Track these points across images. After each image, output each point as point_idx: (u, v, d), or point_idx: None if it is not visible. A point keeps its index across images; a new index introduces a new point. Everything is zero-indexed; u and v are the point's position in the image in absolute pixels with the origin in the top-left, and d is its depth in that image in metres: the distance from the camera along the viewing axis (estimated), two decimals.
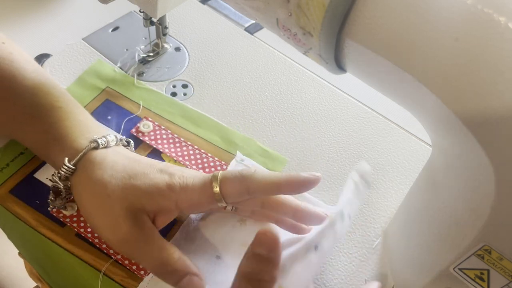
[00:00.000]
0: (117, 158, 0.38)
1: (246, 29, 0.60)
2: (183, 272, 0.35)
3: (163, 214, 0.37)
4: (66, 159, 0.36)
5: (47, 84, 0.41)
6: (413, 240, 0.36)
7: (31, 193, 0.41)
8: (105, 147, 0.38)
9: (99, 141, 0.37)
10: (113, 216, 0.35)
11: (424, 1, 0.25)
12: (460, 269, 0.30)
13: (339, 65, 0.30)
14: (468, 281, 0.30)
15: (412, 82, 0.26)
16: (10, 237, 0.42)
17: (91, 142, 0.37)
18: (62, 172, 0.36)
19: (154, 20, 0.51)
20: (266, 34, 0.59)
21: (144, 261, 0.35)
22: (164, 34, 0.53)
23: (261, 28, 0.60)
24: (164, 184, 0.36)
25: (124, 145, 0.41)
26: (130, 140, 0.42)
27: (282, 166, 0.46)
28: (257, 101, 0.52)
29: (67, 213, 0.39)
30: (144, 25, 0.52)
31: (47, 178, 0.42)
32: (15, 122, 0.40)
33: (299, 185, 0.35)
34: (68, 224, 0.39)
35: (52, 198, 0.38)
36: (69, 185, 0.37)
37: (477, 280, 0.29)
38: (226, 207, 0.38)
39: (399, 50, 0.26)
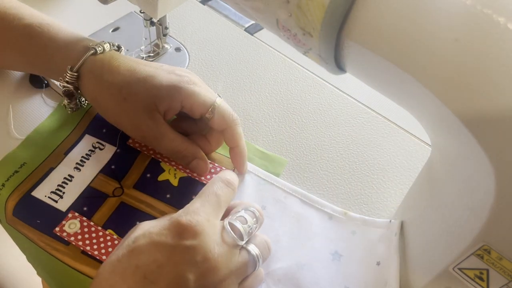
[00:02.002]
0: (121, 62, 0.42)
1: (246, 30, 0.60)
2: (191, 156, 0.42)
3: (172, 111, 0.42)
4: (69, 67, 0.41)
5: (25, 6, 0.45)
6: (412, 239, 0.37)
7: (31, 213, 0.39)
8: (102, 53, 0.42)
9: (96, 48, 0.42)
10: (131, 118, 0.41)
11: (423, 1, 0.25)
12: (460, 269, 0.30)
13: (339, 66, 0.30)
14: (468, 281, 0.30)
15: (412, 82, 0.26)
16: (28, 259, 0.40)
17: (90, 48, 0.41)
18: (67, 78, 0.41)
19: (155, 20, 0.51)
20: (266, 35, 0.59)
21: (161, 149, 0.43)
22: (165, 35, 0.53)
23: (261, 28, 0.60)
24: (174, 85, 0.40)
25: (115, 50, 0.44)
26: (120, 45, 0.45)
27: (282, 167, 0.46)
28: (257, 101, 0.52)
29: (70, 231, 0.39)
30: (144, 26, 0.52)
31: (45, 196, 0.40)
32: (12, 46, 0.44)
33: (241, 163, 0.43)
34: (73, 243, 0.38)
35: (67, 101, 0.44)
36: (78, 86, 0.42)
37: (477, 280, 0.29)
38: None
39: (399, 51, 0.26)
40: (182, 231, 0.32)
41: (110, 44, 0.43)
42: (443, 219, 0.31)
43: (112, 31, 0.57)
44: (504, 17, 0.23)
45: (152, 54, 0.54)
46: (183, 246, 0.31)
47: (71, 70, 0.41)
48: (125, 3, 0.48)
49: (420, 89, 0.26)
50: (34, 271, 0.40)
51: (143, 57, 0.54)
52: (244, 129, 0.49)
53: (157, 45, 0.54)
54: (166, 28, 0.52)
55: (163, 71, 0.41)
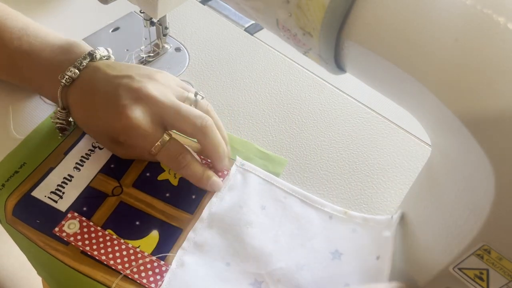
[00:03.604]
0: (84, 92, 0.42)
1: (246, 30, 0.60)
2: (177, 152, 0.42)
3: None
4: (58, 108, 0.43)
5: (9, 18, 0.45)
6: (412, 239, 0.37)
7: (31, 213, 0.40)
8: (74, 80, 0.42)
9: (65, 81, 0.42)
10: (105, 146, 0.44)
11: (423, 1, 0.25)
12: (460, 269, 0.30)
13: (338, 66, 0.30)
14: (468, 281, 0.30)
15: (412, 83, 0.26)
16: (28, 259, 0.40)
17: (60, 82, 0.42)
18: (58, 116, 0.44)
19: (155, 20, 0.51)
20: (266, 35, 0.59)
21: (145, 145, 0.41)
22: (165, 35, 0.53)
23: (261, 28, 0.60)
24: (120, 129, 0.40)
25: (96, 57, 0.44)
26: (93, 51, 0.43)
27: (283, 167, 0.46)
28: (257, 101, 0.52)
29: (70, 231, 0.39)
30: (144, 26, 0.52)
31: (45, 196, 0.41)
32: (1, 70, 0.46)
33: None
34: (73, 243, 0.38)
35: (60, 135, 0.45)
36: (70, 120, 0.45)
37: (477, 280, 0.29)
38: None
39: (399, 51, 0.26)
40: None
41: (78, 65, 0.42)
42: (443, 219, 0.31)
43: (112, 31, 0.57)
44: (504, 17, 0.23)
45: (152, 54, 0.54)
46: None
47: (60, 108, 0.43)
48: (125, 3, 0.48)
49: (420, 89, 0.26)
50: (34, 271, 0.40)
51: (143, 57, 0.54)
52: (244, 129, 0.49)
53: (157, 45, 0.54)
54: (166, 28, 0.52)
55: (117, 105, 0.40)
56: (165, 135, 0.41)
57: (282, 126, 0.50)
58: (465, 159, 0.27)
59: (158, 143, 0.40)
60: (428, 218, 0.34)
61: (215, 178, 0.43)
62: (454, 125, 0.25)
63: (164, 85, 0.43)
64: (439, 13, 0.24)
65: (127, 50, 0.54)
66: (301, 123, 0.50)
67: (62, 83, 0.42)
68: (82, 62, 0.42)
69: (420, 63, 0.25)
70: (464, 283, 0.30)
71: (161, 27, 0.52)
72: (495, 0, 0.23)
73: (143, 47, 0.54)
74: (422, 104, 0.28)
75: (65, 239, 0.38)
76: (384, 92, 0.31)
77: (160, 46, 0.54)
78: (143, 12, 0.50)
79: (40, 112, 0.47)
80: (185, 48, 0.56)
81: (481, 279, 0.29)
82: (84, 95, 0.42)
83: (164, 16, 0.51)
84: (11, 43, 0.43)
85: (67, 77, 0.42)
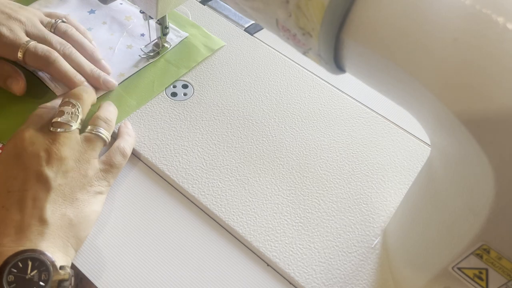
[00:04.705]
0: None
1: (246, 30, 0.60)
2: (43, 49, 0.45)
3: None
4: None
5: None
6: (412, 239, 0.37)
7: None
8: None
9: None
10: None
11: (423, 1, 0.25)
12: (459, 268, 0.30)
13: (338, 66, 0.30)
14: (467, 280, 0.30)
15: (411, 82, 0.26)
16: None
17: None
18: None
19: (155, 20, 0.51)
20: (266, 35, 0.59)
21: (12, 51, 0.44)
22: (165, 34, 0.53)
23: (261, 28, 0.60)
24: None
25: None
26: None
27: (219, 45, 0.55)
28: (257, 101, 0.52)
29: None
30: (144, 19, 0.52)
31: None
32: None
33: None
34: None
35: None
36: None
37: (476, 279, 0.29)
38: None
39: (398, 50, 0.26)
40: None
41: None
42: (443, 218, 0.31)
43: None
44: (503, 17, 0.23)
45: (152, 54, 0.54)
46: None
47: None
48: (125, 3, 0.48)
49: (419, 89, 0.26)
50: None
51: (143, 57, 0.54)
52: (244, 129, 0.49)
53: (157, 45, 0.54)
54: (166, 28, 0.52)
55: None
56: (28, 39, 0.45)
57: (282, 126, 0.50)
58: (464, 159, 0.27)
59: (23, 44, 0.44)
60: (427, 218, 0.34)
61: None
62: (454, 125, 0.25)
63: (31, 13, 0.48)
64: (438, 12, 0.24)
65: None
66: (301, 123, 0.50)
67: None
68: None
69: (420, 63, 0.25)
70: (463, 283, 0.30)
71: (161, 27, 0.52)
72: (494, 0, 0.23)
73: (143, 46, 0.54)
74: (422, 104, 0.28)
75: None
76: (384, 92, 0.31)
77: (160, 46, 0.54)
78: (143, 12, 0.50)
79: None
80: None
81: (481, 278, 0.29)
82: None
83: (164, 16, 0.51)
84: None
85: None
